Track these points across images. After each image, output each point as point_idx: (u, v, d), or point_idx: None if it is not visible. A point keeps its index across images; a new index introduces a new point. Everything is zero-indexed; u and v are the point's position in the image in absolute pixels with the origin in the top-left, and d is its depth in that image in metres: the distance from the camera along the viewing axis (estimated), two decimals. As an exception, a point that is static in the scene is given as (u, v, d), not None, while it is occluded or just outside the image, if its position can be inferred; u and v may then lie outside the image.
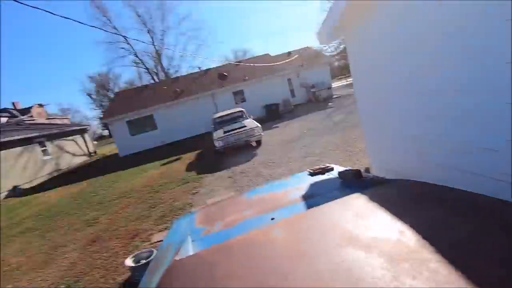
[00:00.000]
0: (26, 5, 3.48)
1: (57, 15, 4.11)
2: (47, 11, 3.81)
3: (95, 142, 22.88)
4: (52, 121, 22.43)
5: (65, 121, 24.94)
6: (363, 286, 0.55)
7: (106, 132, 54.34)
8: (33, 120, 21.47)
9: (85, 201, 7.36)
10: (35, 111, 23.87)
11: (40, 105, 25.34)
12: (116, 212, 5.80)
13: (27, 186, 12.91)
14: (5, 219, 7.65)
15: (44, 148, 15.15)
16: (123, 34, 31.62)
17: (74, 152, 18.20)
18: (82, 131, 20.48)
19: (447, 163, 2.30)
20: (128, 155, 15.19)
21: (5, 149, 12.30)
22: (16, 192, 12.13)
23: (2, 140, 11.95)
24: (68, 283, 3.49)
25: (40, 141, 14.98)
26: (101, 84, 49.47)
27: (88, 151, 20.17)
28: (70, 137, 18.46)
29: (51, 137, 16.18)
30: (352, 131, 7.43)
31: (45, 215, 7.04)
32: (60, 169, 15.86)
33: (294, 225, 0.92)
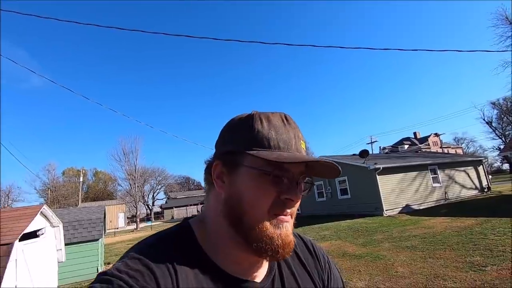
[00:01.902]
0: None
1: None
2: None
3: (490, 177, 20.05)
4: (445, 150, 23.08)
5: (458, 151, 24.53)
6: None
7: (505, 166, 45.54)
8: (429, 148, 23.52)
9: (471, 240, 6.72)
10: (431, 140, 26.04)
11: (436, 135, 27.15)
12: (510, 268, 4.68)
13: (416, 207, 14.46)
14: (397, 231, 9.17)
15: (435, 175, 16.07)
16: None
17: (463, 184, 17.32)
18: (476, 163, 18.92)
19: None
20: (537, 200, 11.57)
21: (405, 172, 14.87)
22: (407, 209, 14.06)
23: (405, 164, 14.49)
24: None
25: (433, 168, 16.09)
26: (506, 110, 42.30)
27: (481, 185, 18.16)
28: (462, 168, 17.80)
29: (443, 166, 16.72)
30: None
31: (429, 239, 7.42)
32: (448, 199, 15.84)
33: None
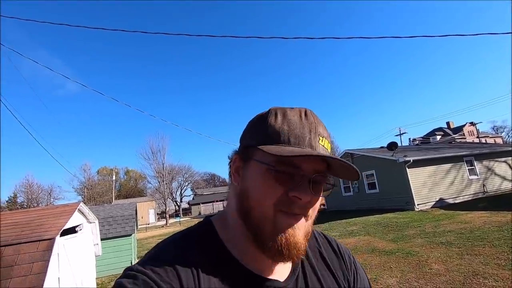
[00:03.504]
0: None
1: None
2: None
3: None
4: (483, 140, 21.59)
5: (498, 141, 22.87)
6: None
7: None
8: (464, 138, 22.14)
9: (514, 236, 6.25)
10: (466, 129, 24.49)
11: (472, 124, 25.46)
12: (561, 267, 4.29)
13: (451, 201, 13.69)
14: (430, 226, 8.74)
15: (471, 167, 15.08)
16: None
17: (504, 176, 16.10)
18: (518, 153, 17.51)
19: None
20: None
21: (437, 164, 14.11)
22: (441, 203, 13.35)
23: (438, 156, 13.73)
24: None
25: (469, 160, 15.10)
26: (553, 94, 38.49)
27: (524, 176, 16.79)
28: (502, 159, 16.56)
29: (480, 157, 15.64)
30: None
31: (466, 235, 7.00)
32: (486, 192, 14.83)
33: None
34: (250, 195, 0.53)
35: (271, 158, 0.50)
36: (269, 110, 0.57)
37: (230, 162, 0.61)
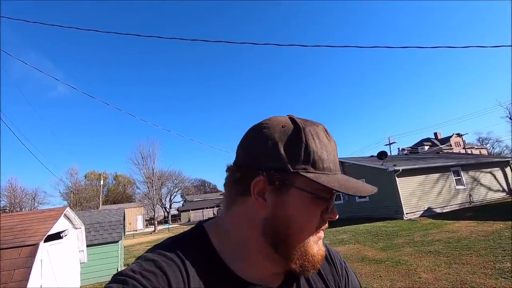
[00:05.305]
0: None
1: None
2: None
3: (519, 178, 18.98)
4: (469, 151, 22.13)
5: (483, 152, 23.49)
6: None
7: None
8: (451, 149, 22.65)
9: (499, 245, 6.37)
10: (453, 140, 25.09)
11: (459, 135, 26.13)
12: (545, 276, 4.38)
13: (439, 210, 13.91)
14: (419, 235, 8.84)
15: (458, 177, 15.41)
16: None
17: (489, 186, 16.50)
18: (503, 164, 18.02)
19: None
20: None
21: (426, 174, 14.38)
22: (429, 213, 13.55)
23: (426, 166, 13.97)
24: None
25: (456, 170, 15.44)
26: (535, 108, 39.94)
27: (509, 187, 17.25)
28: (487, 169, 16.99)
29: (466, 168, 16.02)
30: None
31: (453, 244, 7.10)
32: (472, 202, 15.15)
33: None
34: (291, 222, 0.51)
35: (316, 186, 0.50)
36: (301, 127, 0.53)
37: (242, 179, 0.55)
